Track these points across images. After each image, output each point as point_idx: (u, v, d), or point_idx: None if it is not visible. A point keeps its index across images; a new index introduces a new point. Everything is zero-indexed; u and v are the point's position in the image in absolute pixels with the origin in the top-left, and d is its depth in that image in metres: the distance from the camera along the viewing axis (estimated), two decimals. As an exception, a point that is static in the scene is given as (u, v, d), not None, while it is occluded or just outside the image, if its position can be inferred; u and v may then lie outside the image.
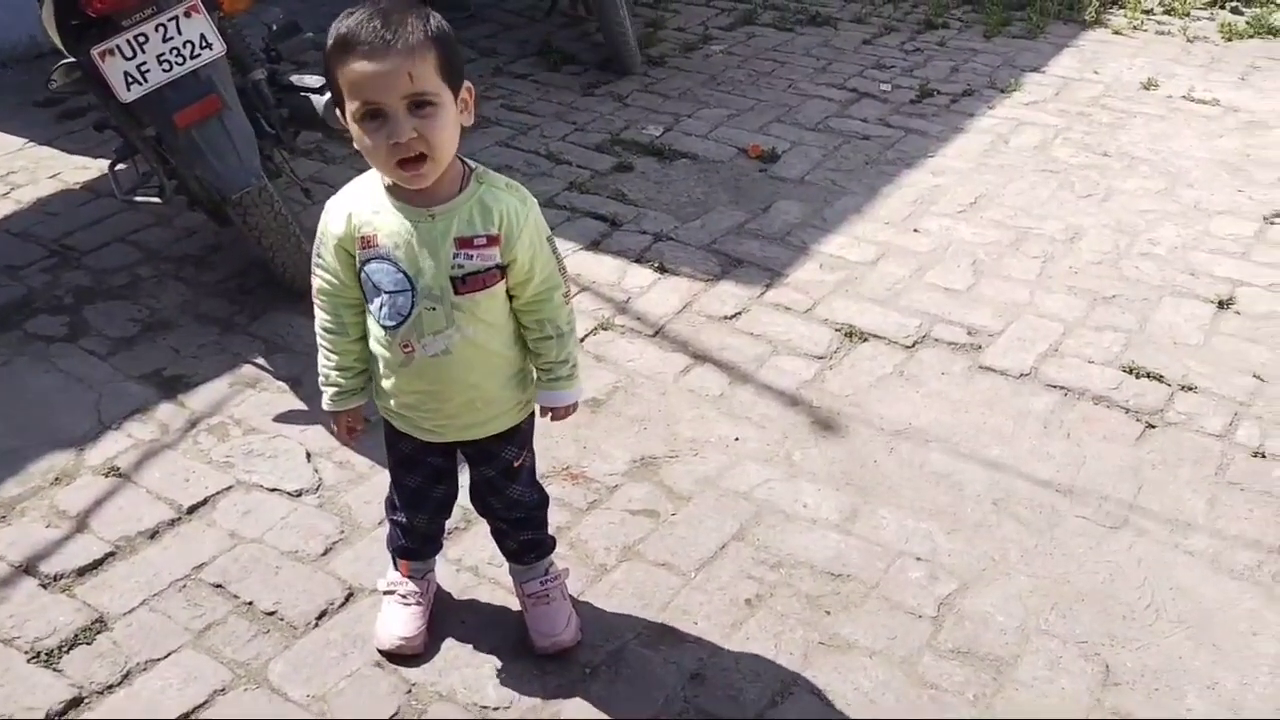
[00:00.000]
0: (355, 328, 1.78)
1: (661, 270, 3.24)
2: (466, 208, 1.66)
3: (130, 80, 2.49)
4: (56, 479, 2.42)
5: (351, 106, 1.54)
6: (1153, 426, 2.57)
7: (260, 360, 2.83)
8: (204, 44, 2.54)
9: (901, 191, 3.68)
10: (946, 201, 3.60)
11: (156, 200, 2.76)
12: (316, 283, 1.76)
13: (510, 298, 1.75)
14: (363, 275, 1.70)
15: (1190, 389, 2.68)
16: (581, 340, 2.91)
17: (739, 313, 3.05)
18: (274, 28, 3.16)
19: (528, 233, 1.70)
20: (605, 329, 2.98)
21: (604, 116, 4.25)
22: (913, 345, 2.89)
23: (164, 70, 2.51)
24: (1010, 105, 4.32)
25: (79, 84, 2.55)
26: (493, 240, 1.67)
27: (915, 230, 3.44)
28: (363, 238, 1.67)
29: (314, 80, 2.92)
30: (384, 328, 1.72)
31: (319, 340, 1.81)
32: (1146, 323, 2.95)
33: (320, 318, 1.79)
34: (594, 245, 3.37)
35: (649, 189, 3.72)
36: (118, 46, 2.46)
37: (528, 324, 1.78)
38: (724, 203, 3.63)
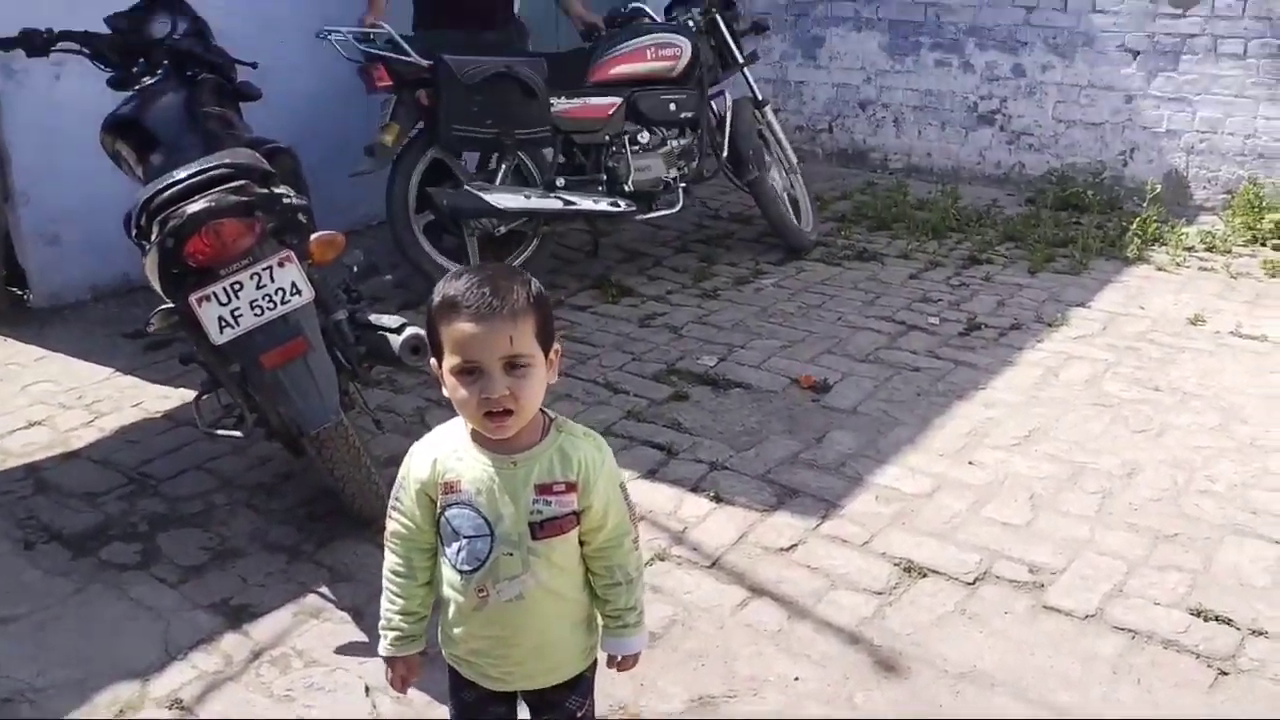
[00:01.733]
0: (424, 572, 1.83)
1: (717, 500, 3.29)
2: (547, 455, 1.74)
3: (223, 324, 2.67)
4: (121, 710, 2.44)
5: (450, 361, 1.66)
6: (1225, 673, 2.50)
7: (325, 589, 2.87)
8: (294, 290, 2.73)
9: (954, 423, 3.74)
10: (1000, 434, 3.65)
11: (237, 434, 2.90)
12: (392, 525, 1.83)
13: (580, 543, 1.80)
14: (442, 520, 1.77)
15: (1261, 634, 2.63)
16: (639, 572, 2.93)
17: (795, 545, 3.06)
18: (355, 269, 3.37)
19: (603, 480, 1.77)
20: (662, 559, 3.00)
21: (660, 347, 4.41)
22: (973, 582, 2.87)
23: (255, 315, 2.69)
24: (1058, 339, 4.43)
25: (174, 327, 2.73)
26: (571, 487, 1.74)
27: (970, 463, 3.47)
28: (446, 483, 1.75)
29: (391, 320, 3.10)
30: (460, 573, 1.76)
31: (385, 583, 1.85)
32: (1210, 563, 2.91)
33: (391, 560, 1.84)
34: (650, 474, 3.44)
35: (704, 418, 3.81)
36: (214, 293, 2.66)
37: (597, 570, 1.83)
38: (778, 432, 3.70)
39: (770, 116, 5.48)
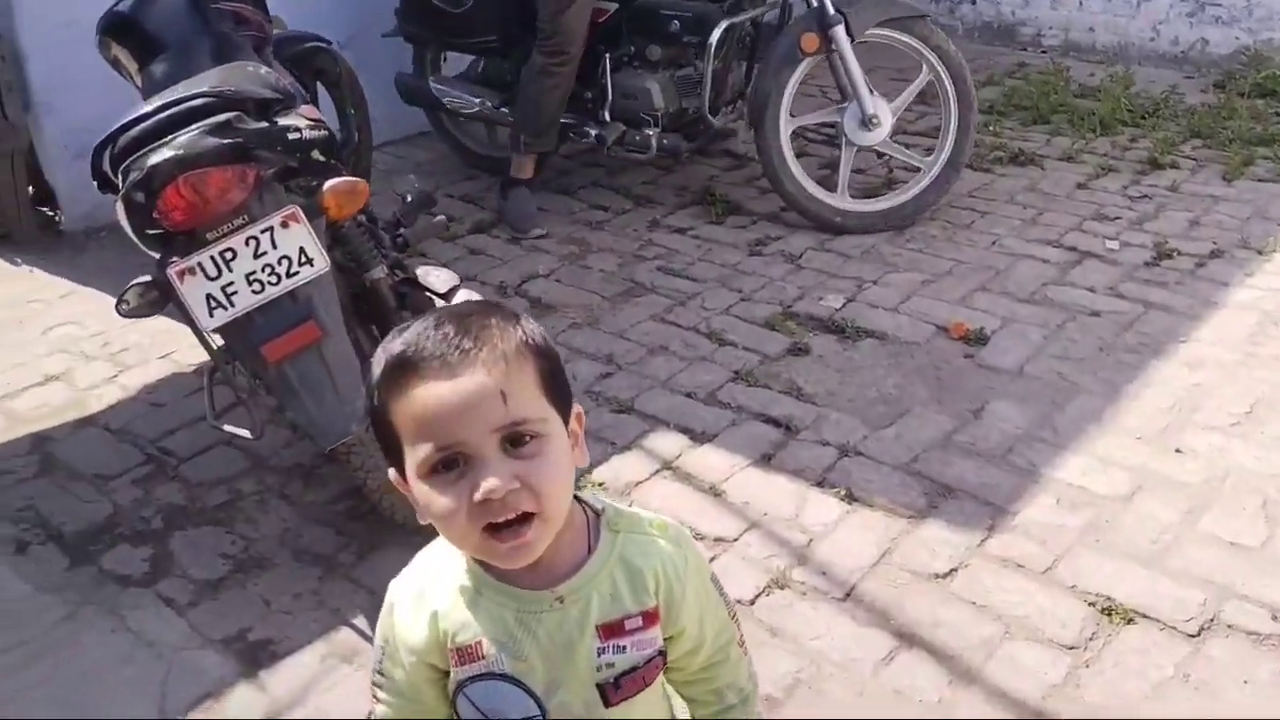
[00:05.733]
0: None
1: (850, 499, 2.61)
2: (605, 575, 1.10)
3: (214, 304, 2.05)
4: (95, 804, 1.94)
5: (417, 456, 1.00)
6: None
7: (360, 621, 2.31)
8: (304, 259, 2.08)
9: (1151, 391, 2.96)
10: (1212, 408, 2.86)
11: (246, 434, 2.29)
12: (380, 710, 1.20)
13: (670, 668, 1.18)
14: (460, 701, 1.14)
15: None
16: (752, 601, 2.30)
17: (954, 569, 2.38)
18: (408, 198, 2.73)
19: (693, 588, 1.14)
20: (781, 586, 2.36)
21: (774, 282, 3.68)
22: (1197, 633, 2.17)
23: (254, 292, 2.05)
24: (1271, 272, 3.56)
25: (156, 305, 2.12)
26: (650, 618, 1.11)
27: (1177, 450, 2.71)
28: (459, 649, 1.11)
29: (439, 279, 2.44)
30: None
31: None
32: None
33: None
34: (765, 460, 2.77)
35: (830, 379, 3.11)
36: (200, 264, 2.03)
37: (700, 696, 1.23)
38: (923, 401, 2.99)
39: (841, 42, 3.81)
